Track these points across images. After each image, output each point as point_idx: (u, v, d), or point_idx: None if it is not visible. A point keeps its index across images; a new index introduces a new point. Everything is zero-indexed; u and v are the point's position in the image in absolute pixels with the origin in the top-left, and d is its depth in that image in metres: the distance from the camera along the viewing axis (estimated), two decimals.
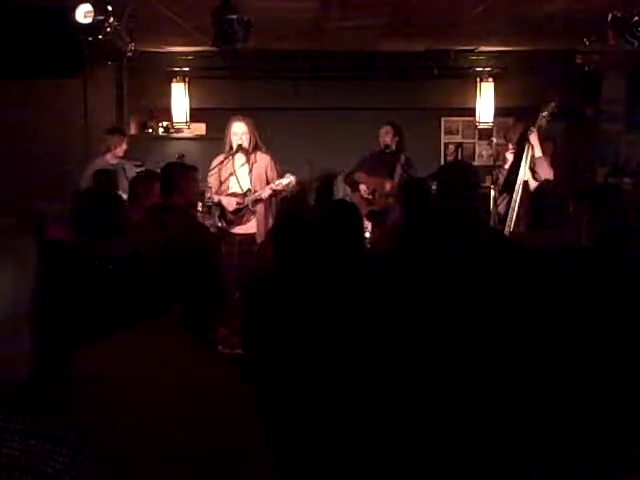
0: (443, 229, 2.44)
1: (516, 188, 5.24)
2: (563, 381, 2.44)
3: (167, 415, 1.60)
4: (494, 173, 5.97)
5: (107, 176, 5.37)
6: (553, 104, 5.41)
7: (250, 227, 5.38)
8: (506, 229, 5.13)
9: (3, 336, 1.15)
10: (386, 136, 6.09)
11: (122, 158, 6.22)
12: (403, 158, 6.02)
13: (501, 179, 5.72)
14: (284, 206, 4.26)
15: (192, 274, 1.70)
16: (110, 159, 6.16)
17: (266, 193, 5.31)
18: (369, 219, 5.61)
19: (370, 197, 6.06)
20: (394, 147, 6.09)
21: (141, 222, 3.95)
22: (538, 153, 5.33)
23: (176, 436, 1.58)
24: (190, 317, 1.70)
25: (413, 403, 2.13)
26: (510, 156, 5.67)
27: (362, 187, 6.13)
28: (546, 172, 5.26)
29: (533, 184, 4.93)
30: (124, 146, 6.20)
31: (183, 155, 5.98)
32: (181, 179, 4.04)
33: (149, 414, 1.60)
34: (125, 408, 1.60)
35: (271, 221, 5.08)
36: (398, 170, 5.96)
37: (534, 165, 5.33)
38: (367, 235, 5.07)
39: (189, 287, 1.70)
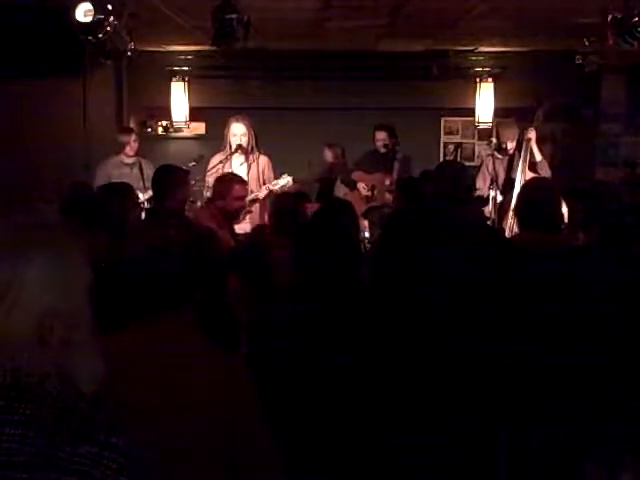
0: (434, 229, 2.43)
1: (516, 189, 5.27)
2: (560, 380, 2.44)
3: (173, 410, 1.61)
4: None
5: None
6: (546, 105, 5.47)
7: (245, 226, 5.38)
8: (507, 230, 5.15)
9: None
10: (383, 140, 6.35)
11: (136, 156, 6.20)
12: (400, 155, 6.33)
13: (499, 181, 5.75)
14: (277, 204, 4.26)
15: (204, 273, 1.72)
16: (124, 158, 6.14)
17: (263, 193, 5.33)
18: (366, 217, 5.68)
19: (369, 194, 6.25)
20: (390, 146, 6.34)
21: (143, 224, 3.99)
22: (539, 157, 5.42)
23: (180, 430, 1.60)
24: (201, 314, 1.72)
25: (410, 397, 2.13)
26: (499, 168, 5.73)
27: (361, 185, 6.33)
28: (548, 174, 5.36)
29: None
30: (134, 145, 6.15)
31: (202, 156, 5.93)
32: (174, 182, 4.05)
33: (154, 406, 1.61)
34: (130, 399, 1.62)
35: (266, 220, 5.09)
36: (396, 166, 6.24)
37: (538, 168, 5.40)
38: (367, 235, 5.11)
39: (201, 285, 1.72)
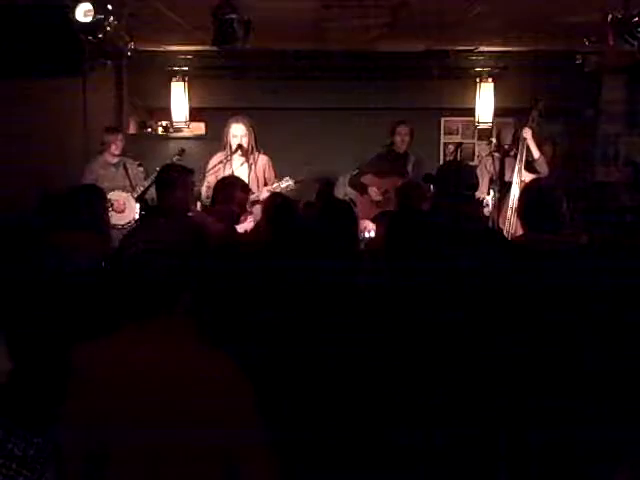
0: (430, 234, 2.43)
1: (513, 188, 5.29)
2: (561, 379, 2.44)
3: (168, 408, 1.61)
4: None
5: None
6: (541, 104, 5.47)
7: (247, 226, 5.37)
8: (505, 230, 5.15)
9: None
10: (406, 136, 6.04)
11: (120, 156, 6.19)
12: (413, 158, 6.05)
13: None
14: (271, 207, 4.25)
15: (196, 273, 1.72)
16: (109, 158, 6.14)
17: (264, 195, 5.31)
18: (375, 221, 5.58)
19: (380, 198, 5.90)
20: (407, 146, 6.09)
21: (140, 222, 4.00)
22: (537, 154, 5.41)
23: (176, 428, 1.60)
24: (194, 314, 1.71)
25: (411, 398, 2.13)
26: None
27: (372, 190, 5.98)
28: (546, 172, 5.37)
29: None
30: (119, 144, 6.14)
31: (184, 150, 5.96)
32: (178, 181, 4.04)
33: (150, 408, 1.61)
34: (126, 401, 1.62)
35: None
36: (410, 170, 5.95)
37: (535, 165, 5.41)
38: (372, 235, 5.04)
39: (193, 285, 1.71)
